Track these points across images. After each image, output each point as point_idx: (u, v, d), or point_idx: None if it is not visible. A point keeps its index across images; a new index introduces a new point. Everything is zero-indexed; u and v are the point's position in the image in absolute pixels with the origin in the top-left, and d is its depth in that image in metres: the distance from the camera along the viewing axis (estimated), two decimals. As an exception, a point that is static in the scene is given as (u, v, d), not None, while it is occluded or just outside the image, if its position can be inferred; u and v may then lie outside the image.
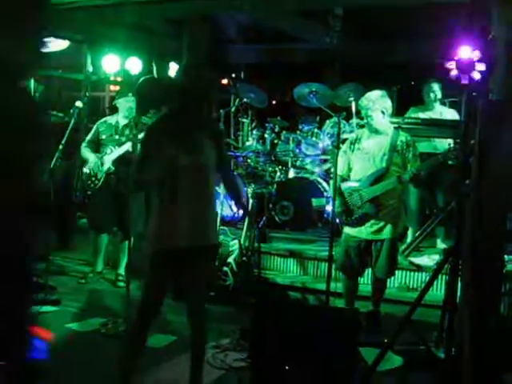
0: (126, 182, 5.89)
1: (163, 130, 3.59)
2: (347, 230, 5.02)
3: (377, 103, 4.88)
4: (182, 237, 3.50)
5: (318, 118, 8.10)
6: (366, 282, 5.48)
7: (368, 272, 5.29)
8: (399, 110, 6.77)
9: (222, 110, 8.41)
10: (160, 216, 3.57)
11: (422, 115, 6.58)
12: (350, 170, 5.02)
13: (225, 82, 10.26)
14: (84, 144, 6.34)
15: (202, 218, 3.56)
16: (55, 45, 8.83)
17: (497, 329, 3.96)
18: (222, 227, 6.16)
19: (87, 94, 7.17)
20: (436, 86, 6.61)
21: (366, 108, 4.91)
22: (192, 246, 3.53)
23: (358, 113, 7.14)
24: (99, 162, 6.13)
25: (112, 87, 9.70)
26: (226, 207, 6.84)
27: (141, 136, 5.58)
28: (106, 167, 6.11)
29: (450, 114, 6.70)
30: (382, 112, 4.90)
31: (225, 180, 3.89)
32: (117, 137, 6.17)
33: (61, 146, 5.66)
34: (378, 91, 4.99)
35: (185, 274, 3.64)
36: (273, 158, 7.68)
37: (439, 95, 6.66)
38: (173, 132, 3.54)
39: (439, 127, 6.19)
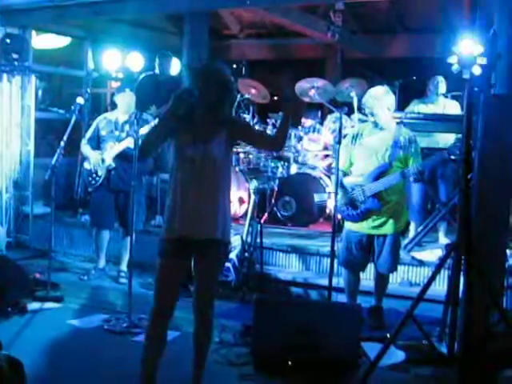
0: (127, 178, 5.90)
1: (181, 117, 3.52)
2: (349, 225, 5.02)
3: (382, 100, 4.87)
4: (181, 227, 3.48)
5: (319, 113, 8.10)
6: (368, 278, 5.46)
7: (370, 267, 5.28)
8: (401, 105, 6.75)
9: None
10: (168, 205, 3.57)
11: (424, 108, 6.57)
12: (351, 164, 5.01)
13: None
14: (84, 141, 6.33)
15: (206, 210, 3.48)
16: (56, 41, 8.86)
17: (499, 323, 3.96)
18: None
19: (88, 91, 7.16)
20: (441, 80, 6.60)
21: (372, 106, 4.88)
22: (193, 238, 3.48)
23: (360, 108, 7.15)
24: (100, 158, 6.12)
25: (113, 84, 9.69)
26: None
27: (142, 132, 5.62)
28: (106, 164, 6.10)
29: (454, 107, 6.69)
30: (388, 109, 4.89)
31: (270, 145, 3.82)
32: (117, 133, 6.17)
33: (62, 143, 5.66)
34: (382, 87, 4.97)
35: (193, 266, 3.63)
36: (275, 154, 7.67)
37: (443, 89, 6.65)
38: (189, 121, 3.50)
39: (442, 122, 6.16)
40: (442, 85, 6.62)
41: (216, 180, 3.52)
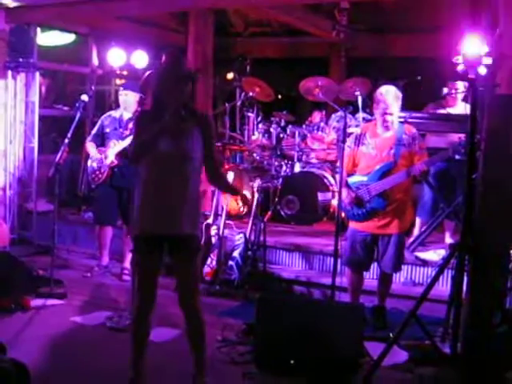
0: (129, 175, 5.89)
1: (151, 117, 3.59)
2: (353, 224, 5.00)
3: (398, 101, 4.88)
4: (152, 223, 3.54)
5: (324, 112, 8.10)
6: (371, 277, 5.46)
7: (374, 267, 5.27)
8: (405, 105, 6.71)
9: (227, 104, 8.41)
10: (139, 201, 3.61)
11: (441, 111, 6.46)
12: (354, 165, 4.99)
13: (230, 75, 10.27)
14: (89, 138, 6.35)
15: (176, 206, 3.53)
16: (61, 38, 8.86)
17: (502, 324, 3.95)
18: (227, 221, 6.14)
19: (93, 88, 7.16)
20: (459, 84, 6.53)
21: (393, 105, 4.84)
22: (163, 233, 3.55)
23: (364, 107, 7.14)
24: (102, 155, 6.13)
25: (118, 81, 9.69)
26: (231, 202, 6.80)
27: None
28: (109, 161, 6.10)
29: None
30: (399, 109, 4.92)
31: (207, 172, 3.74)
32: (120, 130, 6.17)
33: (66, 140, 5.67)
34: (395, 89, 4.95)
35: (170, 261, 3.69)
36: (278, 152, 7.67)
37: (462, 95, 6.56)
38: (159, 119, 3.52)
39: (448, 122, 6.12)
40: (460, 90, 6.53)
41: (186, 175, 3.56)
